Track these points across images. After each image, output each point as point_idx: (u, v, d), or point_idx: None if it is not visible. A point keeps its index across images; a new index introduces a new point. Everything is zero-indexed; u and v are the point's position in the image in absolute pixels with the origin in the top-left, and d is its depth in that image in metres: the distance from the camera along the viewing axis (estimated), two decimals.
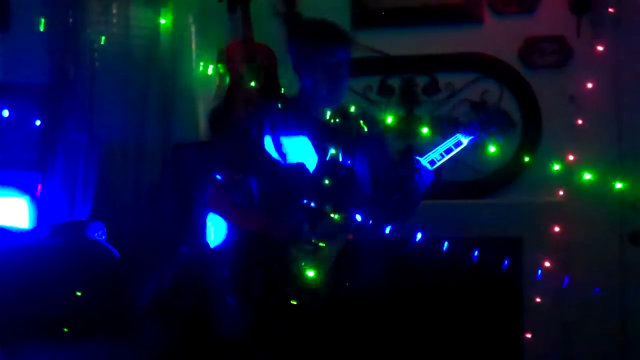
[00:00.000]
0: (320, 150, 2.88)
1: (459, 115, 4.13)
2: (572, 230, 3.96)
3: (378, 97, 4.26)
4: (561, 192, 4.02)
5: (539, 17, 4.13)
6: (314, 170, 2.87)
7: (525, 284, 3.99)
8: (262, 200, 2.92)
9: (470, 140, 2.98)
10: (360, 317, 2.83)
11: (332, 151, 2.88)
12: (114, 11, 4.12)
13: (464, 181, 4.12)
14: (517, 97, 4.15)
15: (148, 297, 3.62)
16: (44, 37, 3.99)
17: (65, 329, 3.31)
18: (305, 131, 2.89)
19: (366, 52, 4.02)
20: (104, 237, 3.75)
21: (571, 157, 3.96)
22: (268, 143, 2.88)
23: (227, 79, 4.13)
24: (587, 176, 3.72)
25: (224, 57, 4.16)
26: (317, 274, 2.77)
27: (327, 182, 2.84)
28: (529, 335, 3.98)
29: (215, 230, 3.87)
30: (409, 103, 4.24)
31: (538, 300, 3.96)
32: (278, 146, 2.87)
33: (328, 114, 2.93)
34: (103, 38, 4.01)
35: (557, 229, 3.96)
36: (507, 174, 4.14)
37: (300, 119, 2.90)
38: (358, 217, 2.85)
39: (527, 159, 4.01)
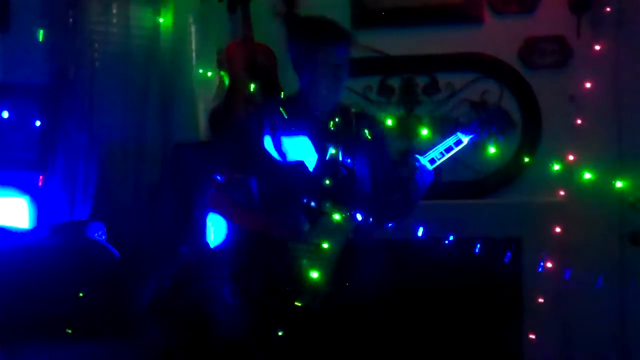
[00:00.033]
0: (320, 150, 2.88)
1: (459, 115, 4.13)
2: (572, 230, 3.96)
3: (378, 97, 4.27)
4: (561, 192, 4.02)
5: (539, 17, 4.13)
6: (313, 170, 2.87)
7: (525, 284, 4.00)
8: (262, 200, 2.91)
9: (471, 139, 2.97)
10: (360, 316, 2.83)
11: (332, 151, 2.88)
12: (114, 11, 4.12)
13: (464, 181, 4.12)
14: (517, 97, 4.15)
15: (148, 297, 3.62)
16: (44, 37, 3.99)
17: (69, 330, 3.31)
18: (305, 131, 2.89)
19: (366, 52, 4.02)
20: (104, 237, 3.75)
21: (571, 157, 3.97)
22: (268, 143, 2.88)
23: (227, 79, 4.13)
24: (587, 176, 3.72)
25: (224, 57, 4.16)
26: (318, 273, 2.77)
27: (327, 182, 2.84)
28: (529, 335, 3.98)
29: (215, 230, 3.87)
30: (409, 103, 4.24)
31: (538, 300, 3.96)
32: (278, 146, 2.87)
33: (328, 113, 2.92)
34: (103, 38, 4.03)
35: (557, 229, 3.96)
36: (507, 174, 4.14)
37: (300, 119, 2.89)
38: (358, 217, 2.84)
39: (527, 159, 4.01)
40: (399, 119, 4.21)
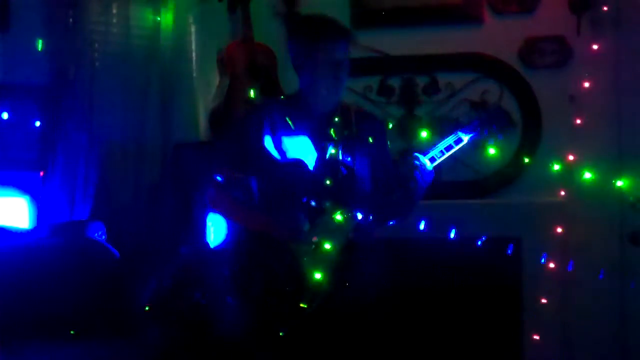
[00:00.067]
0: (320, 149, 2.88)
1: (459, 115, 4.13)
2: (572, 230, 3.96)
3: (378, 97, 4.27)
4: (561, 192, 4.02)
5: (539, 17, 4.13)
6: (314, 169, 2.86)
7: (526, 284, 4.00)
8: (263, 199, 2.91)
9: (471, 138, 2.97)
10: (361, 316, 2.83)
11: (332, 150, 2.87)
12: (114, 11, 4.12)
13: (464, 181, 4.12)
14: (517, 97, 4.15)
15: (148, 297, 3.61)
16: (44, 36, 3.99)
17: (72, 331, 3.31)
18: (305, 130, 2.89)
19: (366, 52, 4.02)
20: (104, 237, 3.75)
21: (571, 157, 3.97)
22: (268, 143, 2.87)
23: (227, 79, 4.13)
24: (587, 176, 3.72)
25: (224, 57, 4.17)
26: (318, 273, 2.77)
27: (327, 181, 2.84)
28: (529, 335, 3.98)
29: (215, 230, 3.87)
30: (409, 103, 4.25)
31: (538, 300, 3.96)
32: (278, 146, 2.87)
33: (328, 113, 2.92)
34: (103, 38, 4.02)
35: (557, 229, 3.96)
36: (507, 174, 4.14)
37: (300, 118, 2.89)
38: (358, 216, 2.84)
39: (527, 159, 4.01)
40: (399, 119, 4.22)
